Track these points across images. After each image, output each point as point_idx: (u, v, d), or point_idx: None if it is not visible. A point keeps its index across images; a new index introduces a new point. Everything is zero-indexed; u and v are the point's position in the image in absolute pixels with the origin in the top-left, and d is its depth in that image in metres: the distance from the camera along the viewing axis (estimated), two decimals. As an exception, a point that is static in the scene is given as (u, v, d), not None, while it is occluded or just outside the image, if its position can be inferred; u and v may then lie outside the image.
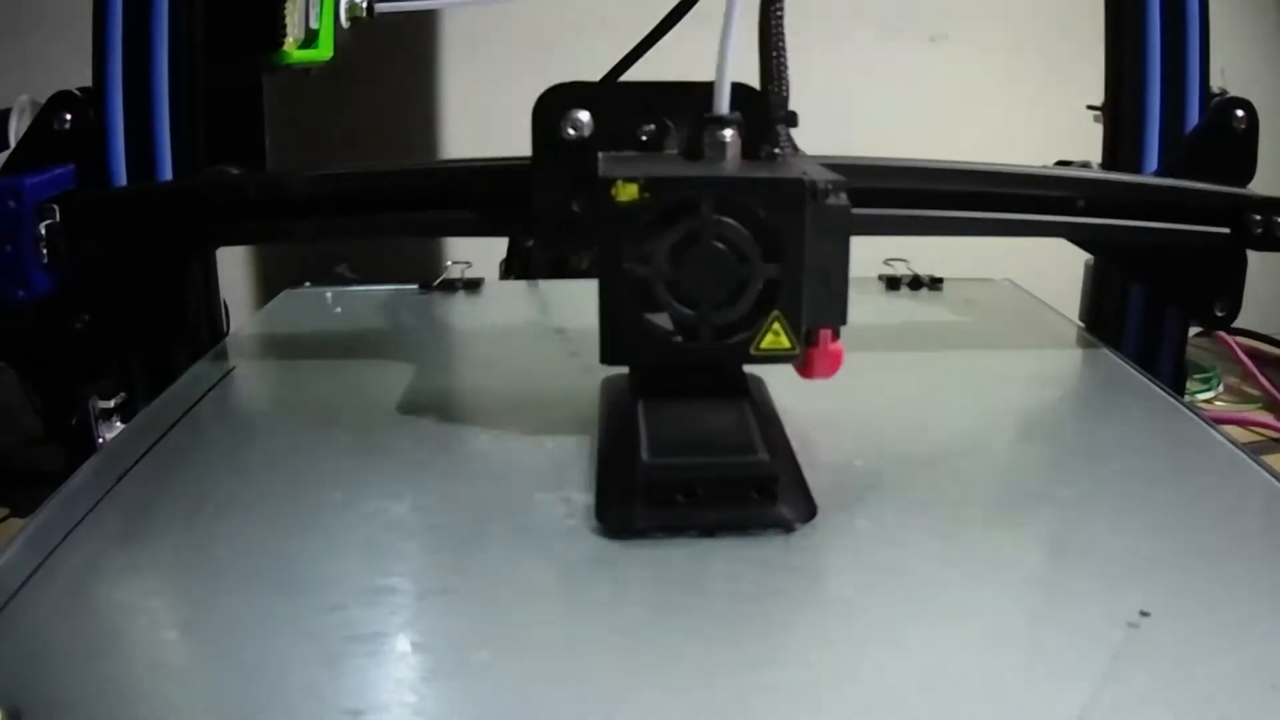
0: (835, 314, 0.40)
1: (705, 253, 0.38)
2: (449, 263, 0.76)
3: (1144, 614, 0.32)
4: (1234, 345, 0.83)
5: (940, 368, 0.58)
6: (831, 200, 0.39)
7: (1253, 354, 0.83)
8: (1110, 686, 0.29)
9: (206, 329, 0.64)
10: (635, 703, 0.29)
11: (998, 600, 0.34)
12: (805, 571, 0.36)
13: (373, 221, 0.55)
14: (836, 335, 0.41)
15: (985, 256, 0.79)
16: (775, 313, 0.39)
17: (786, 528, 0.37)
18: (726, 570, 0.35)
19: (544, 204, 0.48)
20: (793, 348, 0.40)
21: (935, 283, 0.74)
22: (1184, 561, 0.36)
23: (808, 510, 0.39)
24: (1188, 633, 0.31)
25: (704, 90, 0.42)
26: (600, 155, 0.45)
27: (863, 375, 0.56)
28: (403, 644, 0.31)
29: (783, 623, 0.33)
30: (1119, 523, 0.39)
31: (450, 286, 0.73)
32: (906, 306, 0.71)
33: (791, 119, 0.45)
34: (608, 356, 0.40)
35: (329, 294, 0.74)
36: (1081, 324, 0.67)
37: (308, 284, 0.76)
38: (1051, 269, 0.71)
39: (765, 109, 0.43)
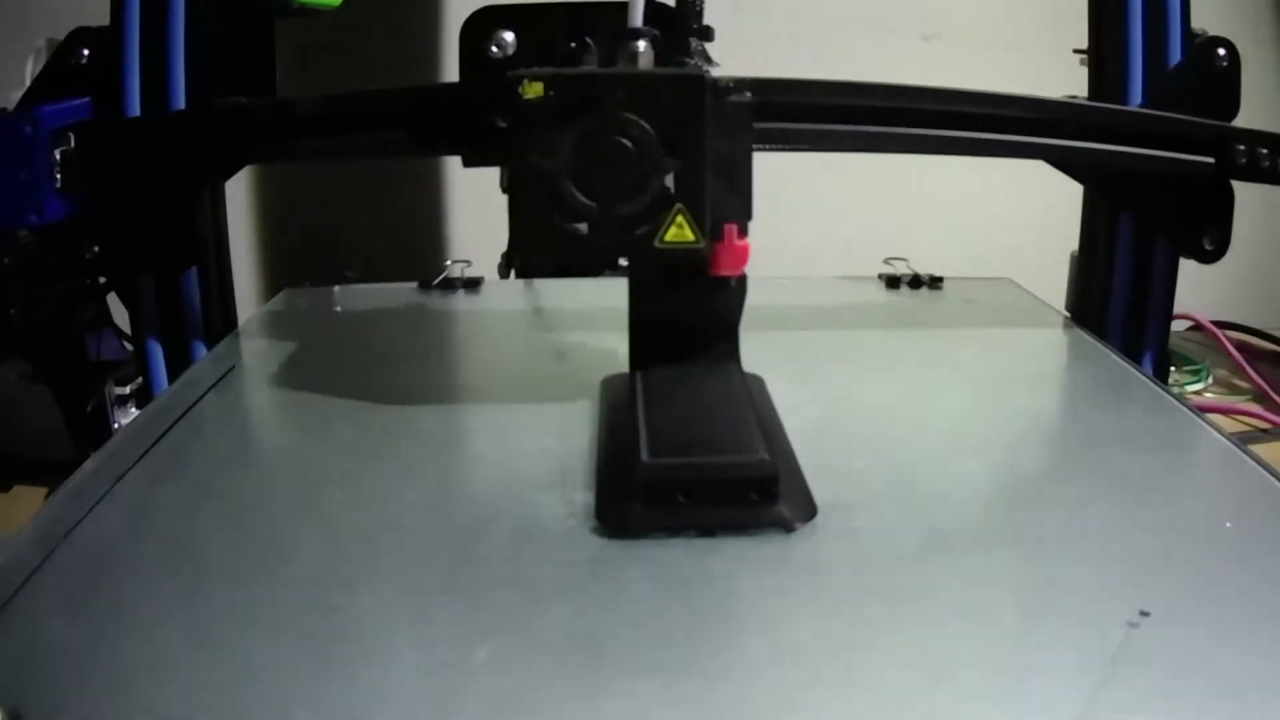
0: (740, 210, 0.42)
1: (608, 147, 0.40)
2: (449, 262, 0.76)
3: (1144, 614, 0.32)
4: (1223, 338, 0.83)
5: (940, 367, 0.58)
6: (733, 98, 0.41)
7: (1241, 347, 0.83)
8: (1110, 686, 0.29)
9: (214, 259, 0.65)
10: (635, 703, 0.29)
11: (997, 600, 0.34)
12: (805, 571, 0.36)
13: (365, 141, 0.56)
14: (744, 232, 0.42)
15: (985, 257, 0.79)
16: (678, 206, 0.40)
17: (786, 528, 0.37)
18: (726, 570, 0.35)
19: (470, 120, 0.49)
20: (697, 240, 0.41)
21: (935, 281, 0.74)
22: (1183, 559, 0.36)
23: (808, 510, 0.39)
24: (1188, 633, 0.31)
25: (622, 9, 0.44)
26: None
27: (863, 374, 0.57)
28: (403, 644, 0.31)
29: (783, 623, 0.33)
30: (1118, 521, 0.39)
31: (450, 285, 0.73)
32: (906, 305, 0.71)
33: (706, 33, 0.46)
34: (518, 249, 0.41)
35: (329, 293, 0.74)
36: (1067, 314, 0.67)
37: (308, 283, 0.76)
38: (1050, 269, 0.71)
39: (679, 23, 0.45)
